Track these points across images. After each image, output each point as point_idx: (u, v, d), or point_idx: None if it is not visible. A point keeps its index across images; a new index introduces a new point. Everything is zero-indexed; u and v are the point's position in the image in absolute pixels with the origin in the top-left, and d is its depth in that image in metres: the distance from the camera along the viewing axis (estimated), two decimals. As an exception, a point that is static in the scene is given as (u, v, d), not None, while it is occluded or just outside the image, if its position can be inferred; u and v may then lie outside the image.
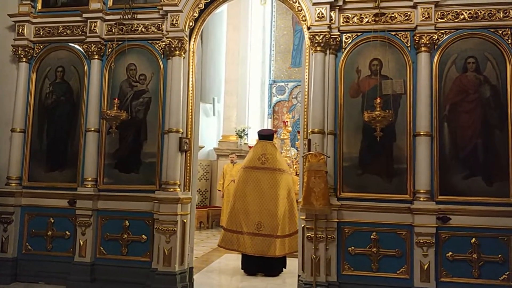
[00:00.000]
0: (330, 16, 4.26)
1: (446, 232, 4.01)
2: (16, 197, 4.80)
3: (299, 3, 4.34)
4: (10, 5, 5.03)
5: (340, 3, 4.27)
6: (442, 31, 4.16)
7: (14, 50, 4.96)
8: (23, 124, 4.91)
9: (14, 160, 4.86)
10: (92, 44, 4.77)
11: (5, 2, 5.06)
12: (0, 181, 4.85)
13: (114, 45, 4.75)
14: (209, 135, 10.70)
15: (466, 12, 4.12)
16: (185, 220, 4.52)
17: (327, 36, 4.22)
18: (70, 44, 4.93)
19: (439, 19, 4.15)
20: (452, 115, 4.10)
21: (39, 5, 5.04)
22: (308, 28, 4.29)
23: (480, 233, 3.96)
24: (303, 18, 4.34)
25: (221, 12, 10.39)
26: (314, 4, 4.26)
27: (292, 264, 5.05)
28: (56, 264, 4.70)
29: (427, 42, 4.10)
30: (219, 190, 8.62)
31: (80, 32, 4.87)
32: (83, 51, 4.86)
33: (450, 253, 4.00)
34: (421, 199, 4.01)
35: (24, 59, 4.95)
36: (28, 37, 4.95)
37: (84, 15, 4.80)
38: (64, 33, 4.93)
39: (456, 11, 4.14)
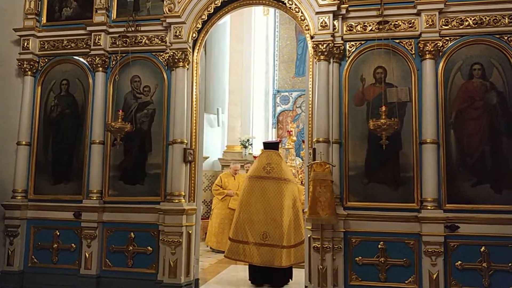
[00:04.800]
0: (333, 25, 4.26)
1: (455, 240, 3.95)
2: (22, 210, 4.81)
3: (302, 12, 4.35)
4: (16, 19, 5.09)
5: (343, 11, 4.27)
6: (447, 38, 4.14)
7: (19, 64, 5.00)
8: (29, 137, 4.94)
9: (19, 173, 4.87)
10: (96, 57, 4.81)
11: (11, 17, 5.12)
12: (6, 194, 4.86)
13: (118, 57, 4.78)
14: (213, 145, 10.68)
15: (470, 19, 4.10)
16: (190, 231, 4.50)
17: (330, 44, 4.22)
18: (74, 57, 4.97)
19: (443, 26, 4.14)
20: (459, 122, 4.07)
21: (43, 19, 5.10)
22: (312, 37, 4.30)
23: (490, 242, 3.89)
24: (306, 28, 4.35)
25: (224, 23, 10.44)
26: (317, 13, 4.27)
27: (299, 275, 4.98)
28: (62, 276, 4.69)
29: (432, 49, 4.08)
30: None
31: (85, 45, 4.91)
32: (87, 63, 4.90)
33: (459, 262, 3.94)
34: (429, 207, 3.96)
35: (29, 72, 4.99)
36: (33, 51, 5.00)
37: (88, 28, 4.84)
38: (69, 46, 4.98)
39: (461, 18, 4.13)
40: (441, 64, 4.13)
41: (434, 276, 3.90)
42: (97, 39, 4.82)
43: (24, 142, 4.91)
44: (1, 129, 5.08)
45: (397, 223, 4.04)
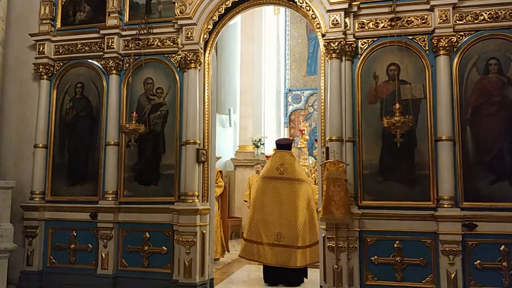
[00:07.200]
0: (345, 23, 4.23)
1: (473, 239, 3.88)
2: (40, 211, 4.89)
3: (312, 11, 4.33)
4: (31, 25, 5.19)
5: (355, 9, 4.24)
6: (461, 33, 4.08)
7: (35, 68, 5.09)
8: (45, 139, 5.02)
9: (37, 175, 4.95)
10: (110, 60, 4.86)
11: (26, 23, 5.22)
12: (24, 196, 4.95)
13: (131, 60, 4.84)
14: (226, 145, 10.71)
15: (486, 13, 4.03)
16: (204, 231, 4.52)
17: (342, 42, 4.19)
18: (88, 60, 5.03)
19: (457, 21, 4.08)
20: (475, 118, 4.00)
21: (58, 24, 5.18)
22: (323, 36, 4.27)
23: (510, 240, 3.81)
24: (317, 26, 4.32)
25: (235, 24, 10.46)
26: (328, 11, 4.24)
27: (314, 274, 4.96)
28: (79, 276, 4.76)
29: (446, 45, 4.02)
30: (246, 201, 8.53)
31: (98, 48, 4.97)
32: (101, 66, 4.96)
33: (478, 261, 3.86)
34: (445, 205, 3.90)
35: (45, 76, 5.07)
36: (49, 55, 5.08)
37: (102, 32, 4.90)
38: (83, 50, 5.04)
39: (476, 12, 4.05)
40: (455, 60, 4.07)
41: (452, 275, 3.84)
42: (110, 42, 4.88)
43: (41, 145, 4.99)
44: (19, 132, 5.19)
45: (413, 222, 3.99)
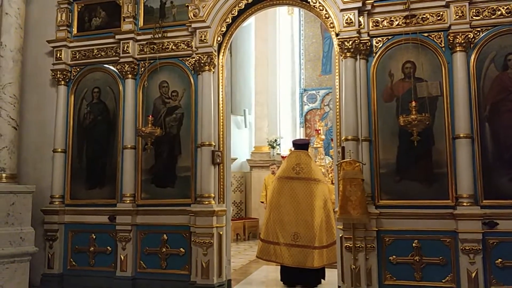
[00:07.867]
0: (359, 21, 4.20)
1: (494, 238, 3.81)
2: (59, 215, 4.99)
3: (326, 10, 4.31)
4: (48, 31, 5.30)
5: (369, 7, 4.21)
6: (478, 29, 4.00)
7: (53, 74, 5.20)
8: (64, 144, 5.12)
9: (56, 179, 5.06)
10: (125, 64, 4.93)
11: (44, 30, 5.33)
12: (44, 200, 5.06)
13: (146, 64, 4.89)
14: (241, 146, 10.73)
15: (503, 8, 3.95)
16: (221, 232, 4.55)
17: (356, 41, 4.16)
18: (105, 65, 5.12)
19: (474, 17, 4.00)
20: (494, 115, 3.92)
21: (74, 30, 5.29)
22: (337, 35, 4.25)
23: (532, 238, 3.72)
24: (331, 25, 4.30)
25: (249, 25, 10.46)
26: (342, 10, 4.22)
27: (332, 275, 4.93)
28: (99, 279, 4.83)
29: (463, 42, 3.95)
30: (262, 202, 8.53)
31: (114, 53, 5.05)
32: (117, 71, 5.04)
33: (499, 260, 3.79)
34: (465, 204, 3.84)
35: (62, 82, 5.17)
36: (66, 61, 5.18)
37: (117, 37, 4.97)
38: (99, 55, 5.13)
39: (493, 7, 3.97)
40: (473, 56, 3.99)
41: (473, 274, 3.77)
42: (125, 47, 4.95)
43: (59, 150, 5.09)
44: (38, 137, 5.29)
45: (432, 221, 3.94)
